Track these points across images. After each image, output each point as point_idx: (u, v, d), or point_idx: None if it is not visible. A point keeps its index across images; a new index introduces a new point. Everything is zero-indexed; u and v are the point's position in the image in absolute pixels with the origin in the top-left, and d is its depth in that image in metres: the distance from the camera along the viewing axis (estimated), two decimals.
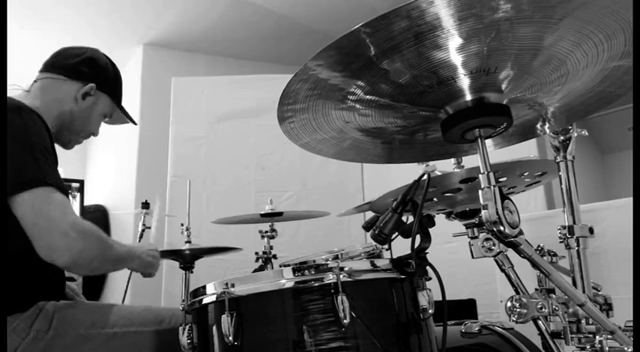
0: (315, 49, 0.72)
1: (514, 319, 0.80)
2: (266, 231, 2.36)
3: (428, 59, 0.74)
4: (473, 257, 0.83)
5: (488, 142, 1.02)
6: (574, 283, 0.98)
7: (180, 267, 2.34)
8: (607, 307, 1.00)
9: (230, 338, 0.88)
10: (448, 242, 1.49)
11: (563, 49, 0.76)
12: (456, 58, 0.75)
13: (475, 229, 1.11)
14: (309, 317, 0.87)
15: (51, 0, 3.45)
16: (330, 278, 0.87)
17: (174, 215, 2.89)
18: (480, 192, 0.81)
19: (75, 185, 4.83)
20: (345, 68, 0.77)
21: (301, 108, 0.87)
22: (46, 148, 1.18)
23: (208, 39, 4.12)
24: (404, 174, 1.13)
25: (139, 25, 3.91)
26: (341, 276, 0.86)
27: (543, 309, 0.81)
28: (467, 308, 2.06)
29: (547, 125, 1.02)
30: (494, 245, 0.81)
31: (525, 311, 0.79)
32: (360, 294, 0.89)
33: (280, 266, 1.08)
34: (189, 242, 2.29)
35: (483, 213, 0.79)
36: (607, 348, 0.83)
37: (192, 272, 2.34)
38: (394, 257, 0.98)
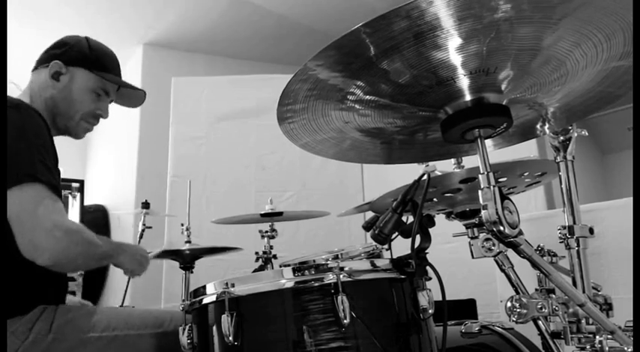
0: (314, 49, 0.72)
1: (514, 319, 0.80)
2: (266, 231, 2.36)
3: (427, 59, 0.74)
4: (473, 257, 0.83)
5: (488, 142, 1.02)
6: (574, 283, 0.98)
7: (180, 267, 2.34)
8: (607, 307, 1.00)
9: (230, 338, 0.88)
10: (448, 242, 1.49)
11: (562, 50, 0.76)
12: (456, 58, 0.75)
13: (475, 229, 1.11)
14: (309, 317, 0.87)
15: None
16: (330, 278, 0.87)
17: (174, 215, 2.89)
18: (479, 192, 0.81)
19: (75, 185, 4.84)
20: (344, 68, 0.77)
21: (301, 108, 0.87)
22: (43, 146, 1.17)
23: (208, 39, 4.12)
24: (404, 174, 1.13)
25: (139, 25, 3.91)
26: (341, 276, 0.86)
27: (543, 309, 0.81)
28: (467, 308, 2.06)
29: (547, 125, 1.02)
30: (494, 245, 0.81)
31: (525, 311, 0.79)
32: (360, 294, 0.89)
33: (280, 266, 1.08)
34: (189, 242, 2.29)
35: (483, 213, 0.79)
36: (607, 348, 0.83)
37: (192, 272, 2.34)
38: (394, 257, 0.98)
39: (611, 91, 0.91)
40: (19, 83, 1.41)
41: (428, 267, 0.95)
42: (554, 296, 0.86)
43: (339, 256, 1.20)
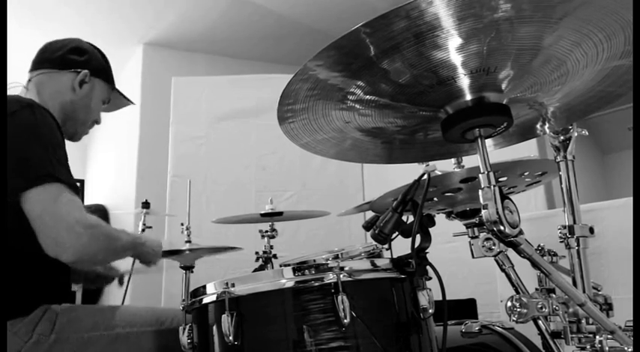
0: (315, 49, 0.72)
1: (514, 319, 0.80)
2: (266, 231, 2.36)
3: (428, 59, 0.74)
4: (473, 257, 0.83)
5: (489, 142, 1.02)
6: (574, 283, 0.98)
7: (181, 267, 2.34)
8: (607, 307, 1.00)
9: (230, 337, 0.88)
10: (448, 241, 1.49)
11: (562, 49, 0.76)
12: (456, 58, 0.75)
13: (475, 229, 1.11)
14: (309, 317, 0.87)
15: None
16: (330, 277, 0.87)
17: (174, 215, 2.89)
18: (480, 191, 0.81)
19: None
20: (345, 68, 0.77)
21: (301, 108, 0.87)
22: (59, 145, 1.19)
23: (208, 39, 4.12)
24: (404, 173, 1.13)
25: (139, 25, 3.91)
26: (341, 276, 0.86)
27: (543, 309, 0.81)
28: (467, 308, 2.06)
29: (547, 125, 1.02)
30: (494, 244, 0.81)
31: (525, 310, 0.79)
32: (361, 294, 0.89)
33: (280, 266, 1.08)
34: (189, 242, 2.29)
35: (483, 212, 0.79)
36: (607, 348, 0.83)
37: (192, 272, 2.34)
38: (394, 256, 0.98)
39: (611, 91, 0.90)
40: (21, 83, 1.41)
41: (428, 267, 0.95)
42: (554, 295, 0.86)
43: (340, 256, 1.20)
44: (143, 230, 2.52)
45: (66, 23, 3.68)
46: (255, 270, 2.19)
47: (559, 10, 0.68)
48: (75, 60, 1.42)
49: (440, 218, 1.16)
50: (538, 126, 1.03)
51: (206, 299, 0.97)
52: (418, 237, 0.94)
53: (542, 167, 1.15)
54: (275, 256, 2.34)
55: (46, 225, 1.08)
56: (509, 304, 0.80)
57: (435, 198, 1.16)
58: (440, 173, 1.08)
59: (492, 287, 2.04)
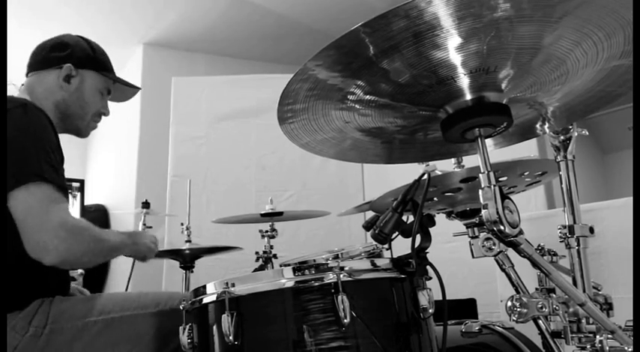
0: (314, 49, 0.72)
1: (514, 318, 0.80)
2: (266, 231, 2.36)
3: (427, 59, 0.74)
4: (473, 256, 0.83)
5: (489, 142, 1.02)
6: (574, 282, 0.98)
7: (181, 267, 2.34)
8: (607, 306, 1.00)
9: (230, 337, 0.88)
10: (448, 241, 1.49)
11: (562, 48, 0.76)
12: (456, 58, 0.74)
13: (475, 229, 1.11)
14: (309, 317, 0.87)
15: None
16: (330, 277, 0.87)
17: (174, 215, 2.89)
18: (480, 191, 0.81)
19: (75, 185, 4.84)
20: (344, 68, 0.77)
21: (301, 108, 0.87)
22: (49, 146, 1.18)
23: (208, 39, 4.12)
24: (404, 173, 1.13)
25: (139, 25, 3.91)
26: (341, 276, 0.86)
27: (544, 309, 0.81)
28: (467, 308, 2.06)
29: (547, 124, 1.02)
30: (494, 244, 0.81)
31: (526, 310, 0.79)
32: (361, 294, 0.89)
33: (280, 265, 1.08)
34: (189, 241, 2.29)
35: (483, 212, 0.79)
36: (607, 348, 0.83)
37: (192, 271, 2.34)
38: (394, 256, 0.98)
39: (611, 90, 0.90)
40: (19, 83, 1.41)
41: (428, 267, 0.95)
42: (554, 295, 0.86)
43: (340, 256, 1.20)
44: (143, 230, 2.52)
45: (66, 23, 3.68)
46: (255, 270, 2.19)
47: (559, 10, 0.68)
48: (57, 56, 1.40)
49: (440, 218, 1.16)
50: (538, 125, 1.03)
51: (206, 299, 0.97)
52: (418, 237, 0.94)
53: (542, 167, 1.15)
54: (275, 256, 2.34)
55: (29, 226, 1.07)
56: (509, 304, 0.80)
57: (435, 198, 1.16)
58: (440, 173, 1.08)
59: (492, 287, 2.04)
